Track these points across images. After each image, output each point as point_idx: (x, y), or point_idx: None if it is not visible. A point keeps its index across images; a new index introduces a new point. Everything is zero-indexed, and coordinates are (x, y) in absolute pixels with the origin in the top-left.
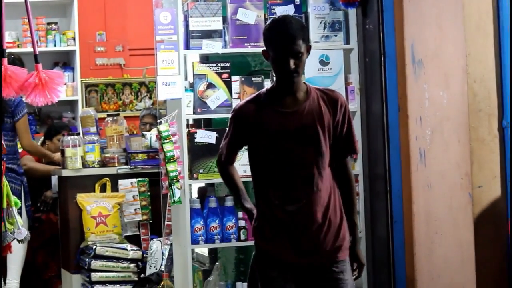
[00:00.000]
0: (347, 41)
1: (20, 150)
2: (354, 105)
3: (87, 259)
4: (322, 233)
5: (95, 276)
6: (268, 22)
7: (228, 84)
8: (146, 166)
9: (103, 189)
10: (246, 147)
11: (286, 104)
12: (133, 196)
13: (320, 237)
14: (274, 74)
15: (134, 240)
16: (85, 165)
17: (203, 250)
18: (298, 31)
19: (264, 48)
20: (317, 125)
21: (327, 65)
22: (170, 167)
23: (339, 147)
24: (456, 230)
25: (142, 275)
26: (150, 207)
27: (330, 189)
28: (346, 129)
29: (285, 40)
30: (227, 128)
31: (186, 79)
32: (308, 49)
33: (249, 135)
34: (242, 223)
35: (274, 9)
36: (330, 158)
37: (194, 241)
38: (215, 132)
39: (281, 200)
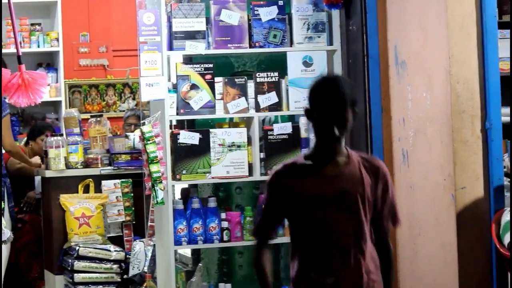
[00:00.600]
0: (330, 42)
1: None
2: None
3: (70, 260)
4: None
5: (78, 277)
6: (316, 79)
7: (211, 85)
8: (129, 167)
9: (86, 190)
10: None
11: (326, 168)
12: (116, 197)
13: None
14: (315, 136)
15: (117, 241)
16: (68, 166)
17: (186, 251)
18: (348, 97)
19: (308, 106)
20: (357, 192)
21: (311, 66)
22: (153, 168)
23: (380, 219)
24: (439, 231)
25: (125, 276)
26: (133, 208)
27: (371, 264)
28: (388, 200)
29: (334, 106)
30: (263, 199)
31: (169, 80)
32: (354, 114)
33: (288, 201)
34: (225, 224)
35: (257, 10)
36: (371, 231)
37: (177, 242)
38: (198, 133)
39: (316, 271)
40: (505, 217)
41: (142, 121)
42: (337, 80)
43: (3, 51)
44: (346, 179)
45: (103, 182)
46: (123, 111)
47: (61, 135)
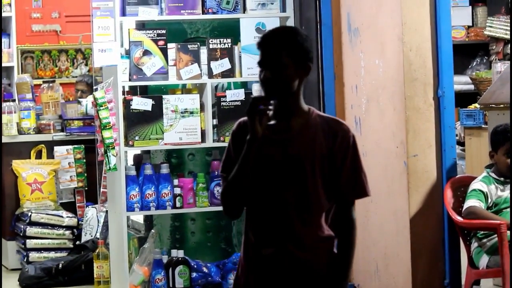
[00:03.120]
0: (283, 9)
1: None
2: None
3: (22, 226)
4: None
5: (30, 242)
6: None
7: (164, 51)
8: (82, 133)
9: (38, 156)
10: None
11: (278, 130)
12: (69, 163)
13: None
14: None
15: (70, 207)
16: (20, 131)
17: (138, 217)
18: (289, 44)
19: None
20: (307, 158)
21: (263, 33)
22: (106, 134)
23: (338, 189)
24: (391, 198)
25: (77, 242)
26: (85, 174)
27: (316, 241)
28: (346, 168)
29: (266, 47)
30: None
31: (122, 46)
32: (303, 69)
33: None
34: (177, 190)
35: None
36: (327, 204)
37: (130, 208)
38: (150, 99)
39: (255, 240)
40: (473, 185)
41: (95, 87)
42: (283, 28)
43: None
44: (296, 143)
45: (56, 148)
46: (76, 77)
47: (14, 100)
